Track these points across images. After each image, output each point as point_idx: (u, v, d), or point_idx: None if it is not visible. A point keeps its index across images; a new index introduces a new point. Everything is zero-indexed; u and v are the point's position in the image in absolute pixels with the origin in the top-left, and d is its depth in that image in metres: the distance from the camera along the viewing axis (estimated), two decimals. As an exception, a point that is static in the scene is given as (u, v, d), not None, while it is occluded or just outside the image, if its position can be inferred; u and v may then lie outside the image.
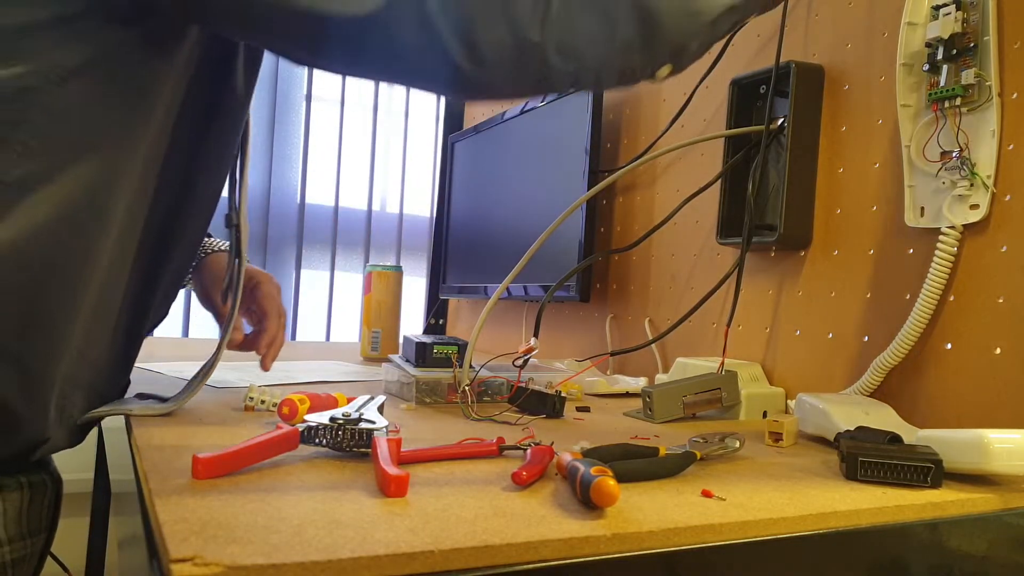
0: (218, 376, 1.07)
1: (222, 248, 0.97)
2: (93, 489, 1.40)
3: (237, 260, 0.82)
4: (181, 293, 0.91)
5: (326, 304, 2.30)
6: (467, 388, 0.92)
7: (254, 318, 0.98)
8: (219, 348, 0.82)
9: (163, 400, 0.80)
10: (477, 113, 2.05)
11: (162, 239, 0.74)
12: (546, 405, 0.91)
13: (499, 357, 1.01)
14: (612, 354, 1.00)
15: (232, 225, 0.82)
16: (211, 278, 0.95)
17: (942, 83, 0.87)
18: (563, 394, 0.93)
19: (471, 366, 0.96)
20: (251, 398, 0.85)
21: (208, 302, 0.96)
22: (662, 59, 0.66)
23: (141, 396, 0.80)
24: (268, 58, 2.22)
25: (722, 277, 1.07)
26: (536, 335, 0.96)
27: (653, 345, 1.27)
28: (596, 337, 1.47)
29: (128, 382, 0.80)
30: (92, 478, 1.41)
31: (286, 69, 2.24)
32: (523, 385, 0.94)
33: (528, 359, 0.94)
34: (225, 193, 0.82)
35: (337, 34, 0.59)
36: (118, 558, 1.24)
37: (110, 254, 0.67)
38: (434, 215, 2.34)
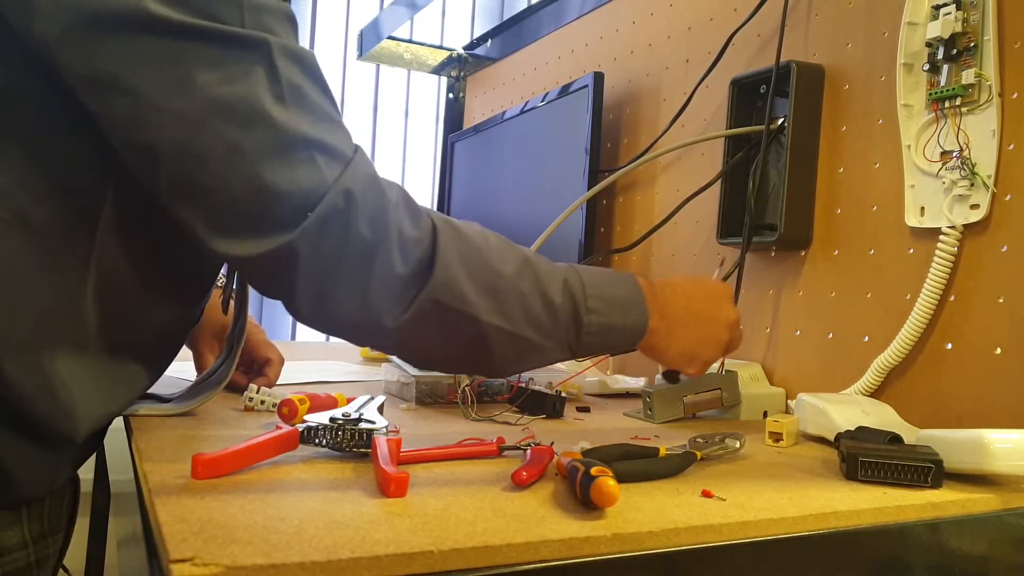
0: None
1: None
2: (93, 489, 1.40)
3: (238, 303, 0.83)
4: None
5: (326, 304, 2.30)
6: (467, 388, 0.92)
7: (243, 359, 0.97)
8: (233, 358, 0.82)
9: (163, 401, 0.80)
10: (477, 113, 2.05)
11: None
12: (546, 405, 0.91)
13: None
14: (612, 354, 1.01)
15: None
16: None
17: (942, 83, 0.87)
18: (563, 394, 0.93)
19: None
20: (251, 398, 0.85)
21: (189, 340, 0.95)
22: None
23: (142, 396, 0.80)
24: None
25: (722, 277, 1.07)
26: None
27: (653, 345, 1.27)
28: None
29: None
30: (92, 478, 1.41)
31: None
32: (523, 385, 0.94)
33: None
34: None
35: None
36: (118, 558, 1.24)
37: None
38: (434, 215, 2.34)
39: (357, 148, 0.62)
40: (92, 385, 0.66)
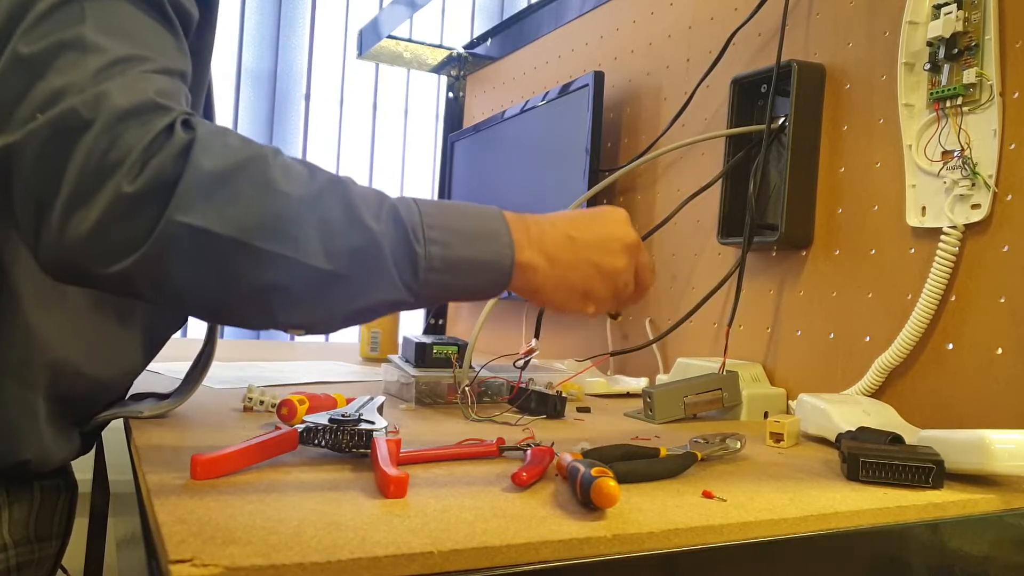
0: (218, 376, 1.07)
1: None
2: (92, 489, 1.40)
3: None
4: None
5: (326, 304, 2.30)
6: (467, 388, 0.92)
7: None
8: (210, 340, 0.80)
9: (162, 398, 0.79)
10: (477, 112, 2.05)
11: None
12: (547, 406, 0.91)
13: (500, 358, 1.00)
14: (613, 354, 1.00)
15: None
16: None
17: (943, 82, 0.87)
18: (563, 395, 0.93)
19: (471, 367, 0.96)
20: (250, 398, 0.85)
21: None
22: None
23: (136, 397, 0.80)
24: (268, 57, 2.21)
25: (723, 277, 1.07)
26: (537, 336, 0.96)
27: (654, 345, 1.27)
28: (597, 337, 1.47)
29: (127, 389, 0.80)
30: (91, 479, 1.41)
31: (285, 69, 2.23)
32: (523, 386, 0.94)
33: (529, 360, 0.94)
34: None
35: None
36: (117, 558, 1.23)
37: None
38: (434, 215, 2.34)
39: (158, 73, 0.54)
40: (74, 337, 0.66)
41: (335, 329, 0.60)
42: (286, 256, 0.52)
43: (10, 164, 0.50)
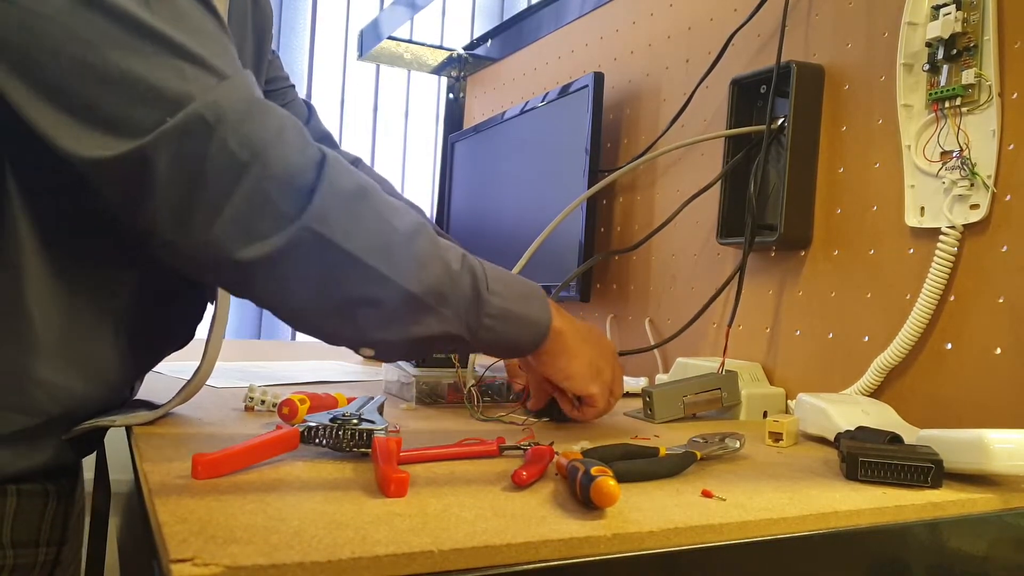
0: (219, 376, 1.07)
1: None
2: (93, 489, 1.40)
3: None
4: None
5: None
6: (472, 389, 0.92)
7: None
8: (205, 354, 0.78)
9: (154, 407, 0.78)
10: (477, 113, 2.05)
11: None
12: (555, 406, 0.91)
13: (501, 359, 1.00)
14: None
15: None
16: None
17: (942, 83, 0.87)
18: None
19: (475, 367, 0.96)
20: (251, 398, 0.85)
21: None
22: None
23: (132, 404, 0.79)
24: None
25: (726, 279, 1.07)
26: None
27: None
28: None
29: (128, 395, 0.79)
30: (92, 478, 1.41)
31: (286, 70, 2.23)
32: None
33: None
34: None
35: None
36: (118, 558, 1.24)
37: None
38: (434, 215, 2.34)
39: (240, 71, 0.58)
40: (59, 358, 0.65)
41: (398, 356, 0.68)
42: (388, 276, 0.59)
43: (139, 165, 0.53)
